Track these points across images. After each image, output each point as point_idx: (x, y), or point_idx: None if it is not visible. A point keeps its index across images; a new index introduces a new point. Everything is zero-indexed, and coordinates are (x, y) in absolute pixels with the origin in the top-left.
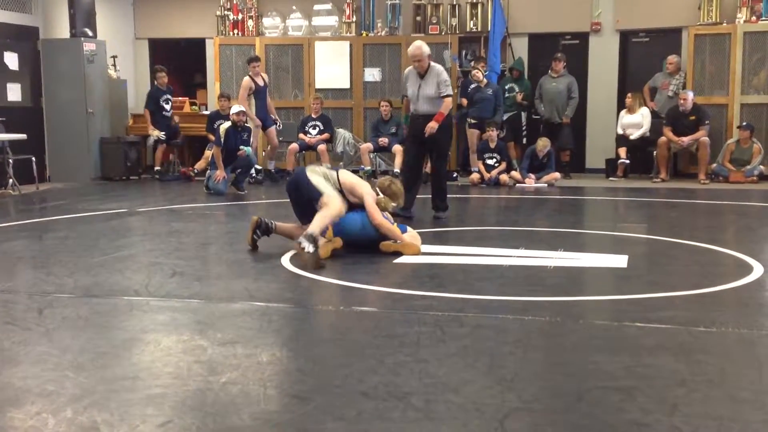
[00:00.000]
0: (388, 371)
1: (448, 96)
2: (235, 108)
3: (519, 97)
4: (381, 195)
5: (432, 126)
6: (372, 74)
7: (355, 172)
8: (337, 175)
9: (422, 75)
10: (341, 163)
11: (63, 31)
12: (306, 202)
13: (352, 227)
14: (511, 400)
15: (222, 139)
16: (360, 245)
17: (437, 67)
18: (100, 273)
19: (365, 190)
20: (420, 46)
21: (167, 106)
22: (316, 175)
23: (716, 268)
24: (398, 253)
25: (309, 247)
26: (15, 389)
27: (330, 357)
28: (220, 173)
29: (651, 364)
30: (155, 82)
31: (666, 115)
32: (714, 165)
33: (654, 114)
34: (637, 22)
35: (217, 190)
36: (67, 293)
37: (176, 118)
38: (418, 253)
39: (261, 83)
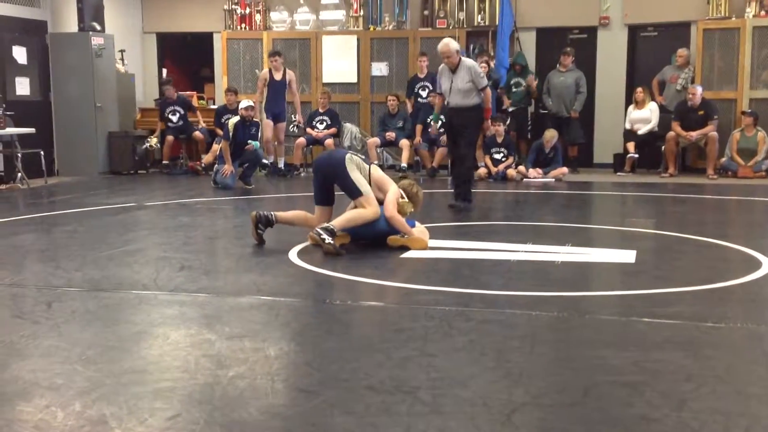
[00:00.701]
0: (395, 365)
1: (485, 87)
2: (244, 103)
3: (533, 85)
4: (404, 198)
5: (488, 126)
6: (379, 68)
7: None
8: (369, 169)
9: (454, 70)
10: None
11: (71, 25)
12: (329, 186)
13: None
14: (519, 395)
15: (231, 134)
16: (367, 239)
17: (468, 61)
18: (108, 267)
19: (393, 188)
20: (448, 43)
21: (174, 118)
22: (355, 169)
23: (724, 264)
24: (405, 248)
25: (328, 239)
26: (24, 382)
27: (337, 351)
28: (228, 167)
29: (659, 359)
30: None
31: (674, 109)
32: (723, 159)
33: (662, 108)
34: (646, 16)
35: (225, 185)
36: (75, 287)
37: (201, 123)
38: (426, 247)
39: (278, 78)
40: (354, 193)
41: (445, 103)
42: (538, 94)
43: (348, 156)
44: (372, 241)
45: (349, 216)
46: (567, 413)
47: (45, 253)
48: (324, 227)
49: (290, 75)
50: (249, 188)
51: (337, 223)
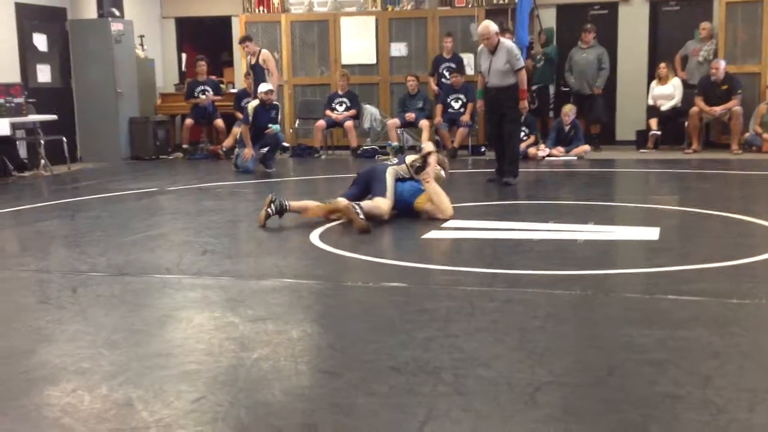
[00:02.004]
0: (418, 346)
1: (521, 69)
2: (263, 86)
3: (540, 47)
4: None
5: (524, 106)
6: (398, 49)
7: (382, 147)
8: (405, 163)
9: (493, 51)
10: (368, 140)
11: (90, 11)
12: (365, 191)
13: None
14: (542, 374)
15: (250, 118)
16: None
17: (507, 42)
18: (132, 252)
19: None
20: (487, 25)
21: (202, 98)
22: (392, 177)
23: (750, 240)
24: (427, 228)
25: (361, 213)
26: (51, 367)
27: (360, 332)
28: (248, 151)
29: (683, 336)
30: (196, 71)
31: (698, 85)
32: (747, 134)
33: (685, 83)
34: None
35: (246, 168)
36: (100, 272)
37: (219, 122)
38: (448, 215)
39: (253, 62)
40: (380, 192)
41: (486, 82)
42: (546, 57)
43: (390, 168)
44: (396, 223)
45: (372, 204)
46: (591, 392)
47: (69, 239)
48: (358, 204)
49: (264, 55)
50: (269, 171)
51: (365, 206)
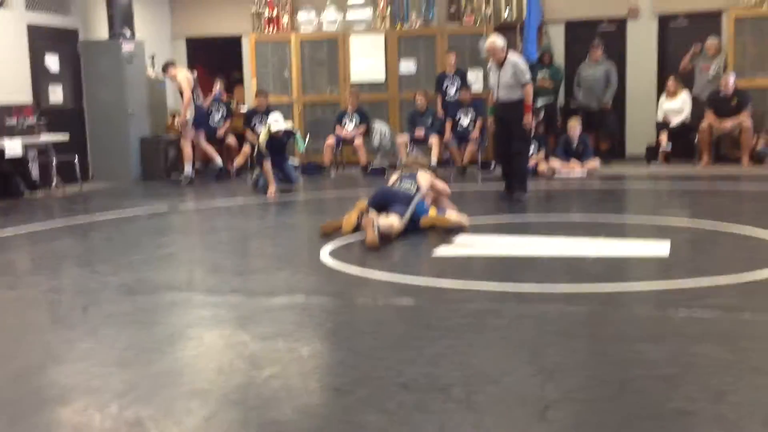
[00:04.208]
0: (428, 363)
1: (527, 83)
2: (278, 126)
3: (547, 83)
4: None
5: (528, 121)
6: (407, 66)
7: (392, 166)
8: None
9: (500, 66)
10: (378, 156)
11: (102, 32)
12: (381, 208)
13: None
14: (553, 390)
15: (264, 152)
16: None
17: (514, 57)
18: (143, 270)
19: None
20: (494, 40)
21: (216, 116)
22: (413, 207)
23: (761, 254)
24: (438, 244)
25: (377, 231)
26: (61, 386)
27: (370, 349)
28: (272, 189)
29: (695, 352)
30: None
31: (707, 99)
32: (759, 148)
33: (695, 100)
34: (676, 5)
35: (289, 177)
36: (111, 291)
37: (231, 141)
38: (445, 224)
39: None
40: (401, 213)
41: (494, 98)
42: (556, 87)
43: (418, 197)
44: (405, 241)
45: (387, 223)
46: (603, 408)
47: (81, 258)
48: (379, 223)
49: (179, 75)
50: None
51: (382, 224)
